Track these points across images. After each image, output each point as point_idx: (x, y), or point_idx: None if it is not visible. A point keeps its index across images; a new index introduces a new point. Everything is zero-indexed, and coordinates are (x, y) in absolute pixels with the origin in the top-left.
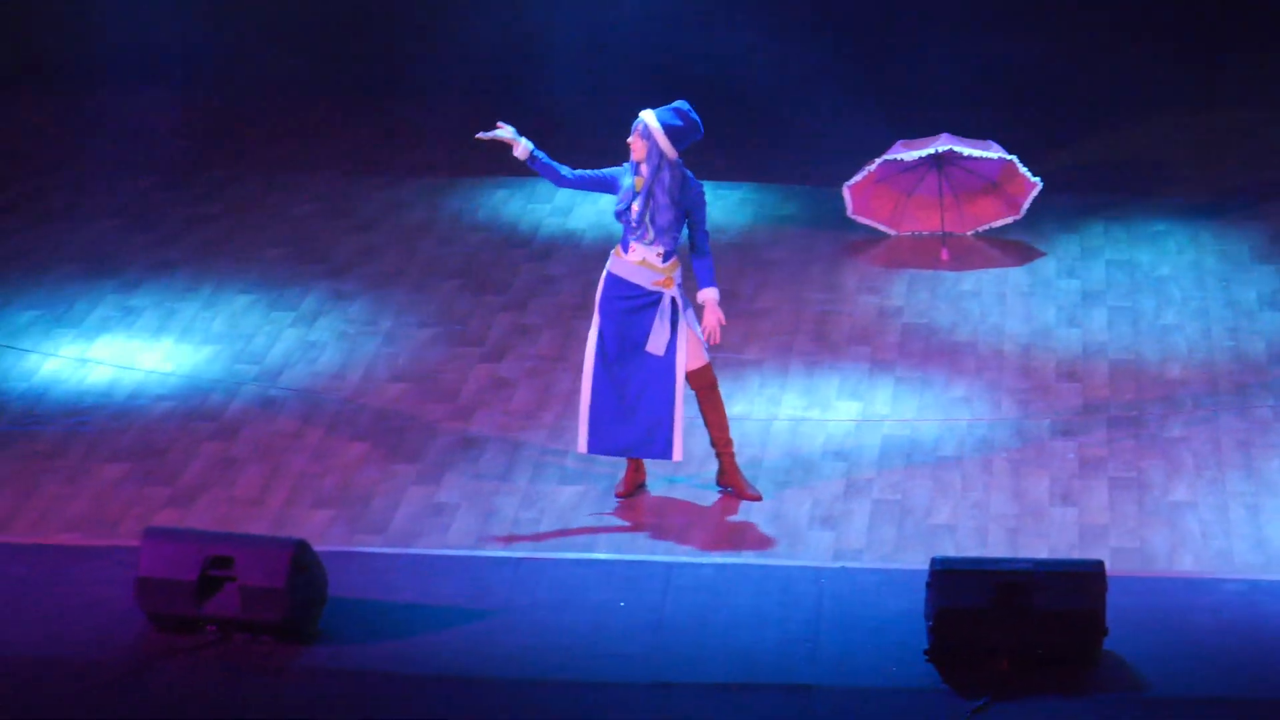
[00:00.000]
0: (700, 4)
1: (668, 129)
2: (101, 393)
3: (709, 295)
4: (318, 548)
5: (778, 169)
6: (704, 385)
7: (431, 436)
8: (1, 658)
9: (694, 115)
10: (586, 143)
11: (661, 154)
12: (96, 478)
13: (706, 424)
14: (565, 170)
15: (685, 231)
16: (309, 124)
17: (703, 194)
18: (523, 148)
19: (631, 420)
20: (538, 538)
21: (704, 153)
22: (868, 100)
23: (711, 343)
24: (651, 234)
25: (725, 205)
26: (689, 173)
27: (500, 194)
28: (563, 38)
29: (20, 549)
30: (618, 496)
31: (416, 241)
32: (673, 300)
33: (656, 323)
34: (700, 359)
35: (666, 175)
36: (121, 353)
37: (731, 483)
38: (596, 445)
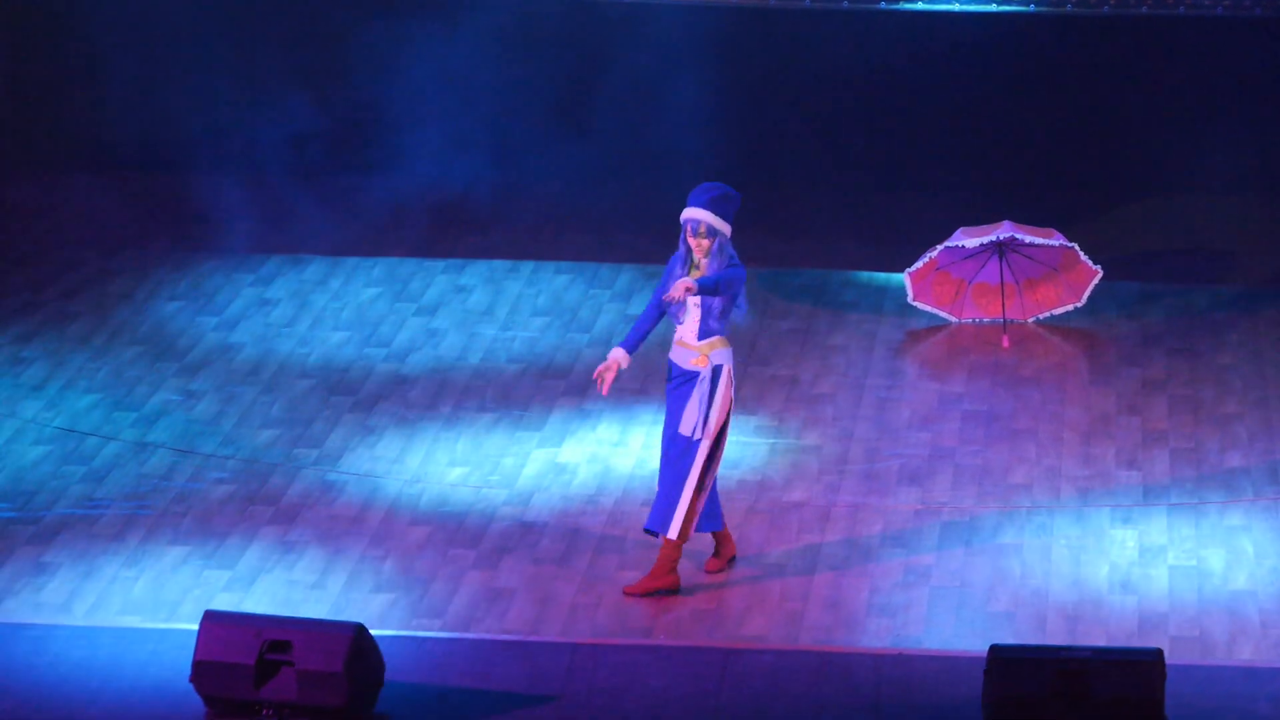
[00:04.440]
0: (754, 88)
1: (719, 212)
2: (161, 476)
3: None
4: (376, 632)
5: (838, 255)
6: None
7: (490, 520)
8: None
9: (725, 185)
10: (662, 224)
11: (724, 238)
12: (156, 561)
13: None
14: (649, 317)
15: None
16: (367, 206)
17: (743, 280)
18: (625, 358)
19: (663, 497)
20: (595, 623)
21: (763, 239)
22: (929, 186)
23: (671, 296)
24: (688, 315)
25: (787, 291)
26: (734, 257)
27: (561, 279)
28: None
29: (79, 632)
30: (708, 572)
31: (477, 326)
32: (711, 376)
33: (690, 402)
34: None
35: (716, 256)
36: (181, 436)
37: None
38: (652, 522)
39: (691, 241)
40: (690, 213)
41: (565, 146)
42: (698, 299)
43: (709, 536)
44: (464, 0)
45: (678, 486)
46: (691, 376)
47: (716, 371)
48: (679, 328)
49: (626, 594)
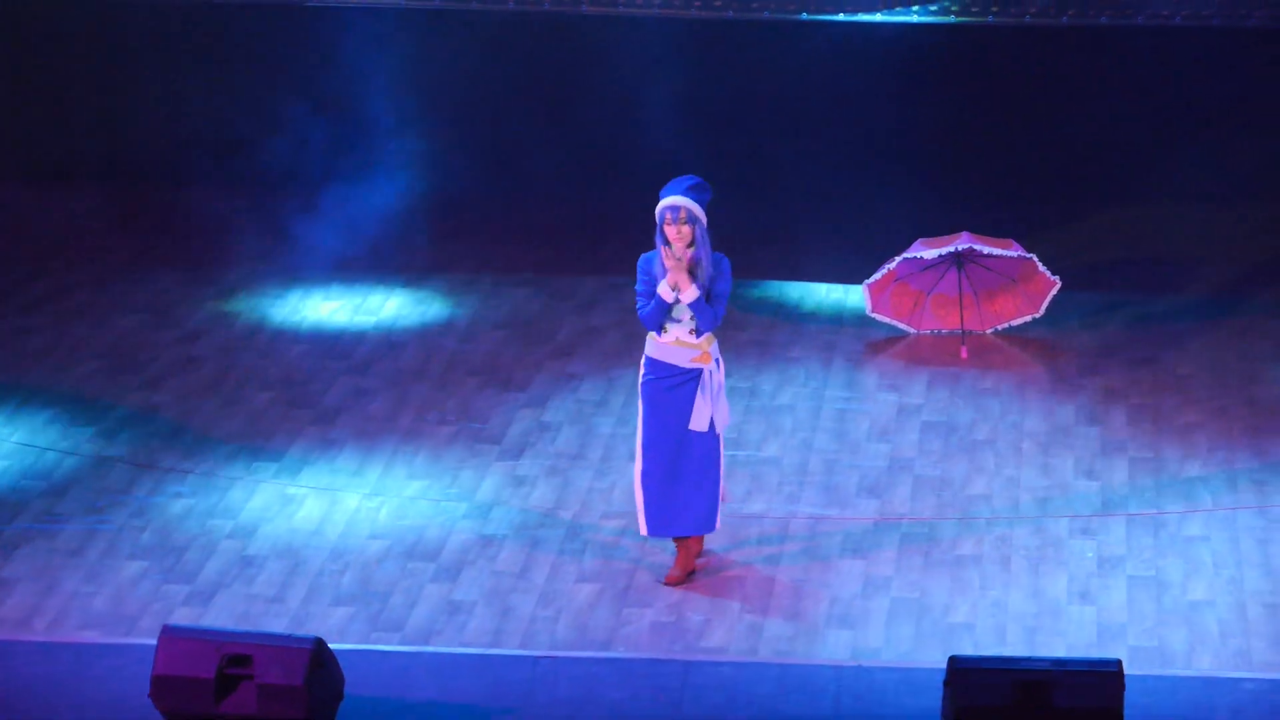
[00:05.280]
0: (714, 101)
1: (700, 201)
2: (120, 490)
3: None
4: (335, 645)
5: (797, 266)
6: None
7: (449, 533)
8: None
9: (698, 178)
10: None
11: (703, 228)
12: (115, 575)
13: None
14: (646, 304)
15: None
16: (328, 220)
17: (728, 268)
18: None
19: (687, 500)
20: (554, 636)
21: (722, 250)
22: (888, 197)
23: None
24: (685, 313)
25: (745, 303)
26: (714, 253)
27: (522, 292)
28: (584, 133)
29: (39, 647)
30: (668, 584)
31: (436, 339)
32: (711, 374)
33: (698, 400)
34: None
35: (699, 247)
36: (141, 450)
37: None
38: (656, 529)
39: (671, 230)
40: (671, 200)
41: (524, 159)
42: (692, 299)
43: (671, 543)
44: (426, 15)
45: (713, 482)
46: (693, 374)
47: (717, 364)
48: (669, 327)
49: (670, 584)
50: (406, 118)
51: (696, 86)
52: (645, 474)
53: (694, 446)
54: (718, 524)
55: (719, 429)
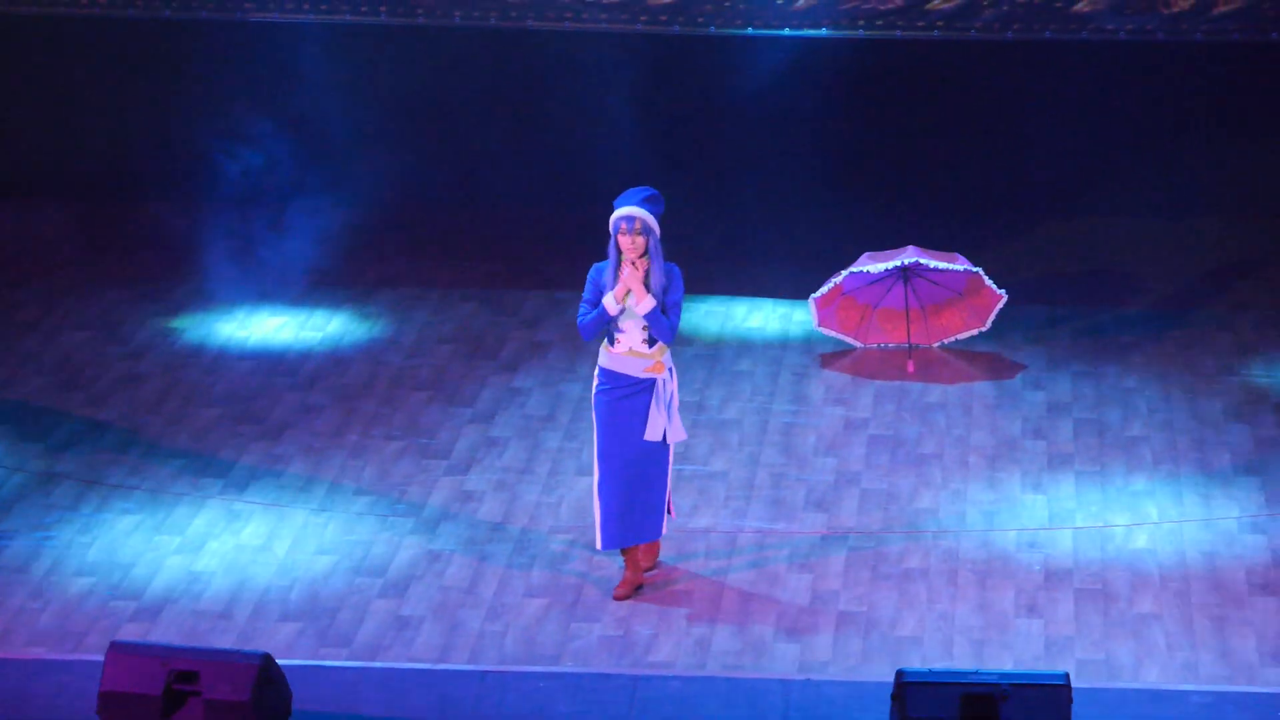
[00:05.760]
0: (659, 117)
1: (654, 212)
2: (67, 507)
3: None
4: (283, 661)
5: (744, 280)
6: None
7: (397, 548)
8: None
9: (652, 189)
10: (579, 249)
11: (656, 239)
12: (62, 591)
13: None
14: (587, 314)
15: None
16: (273, 235)
17: (680, 277)
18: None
19: (640, 508)
20: (502, 651)
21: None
22: (835, 212)
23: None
24: (632, 327)
25: (692, 317)
26: (666, 263)
27: (467, 306)
28: (543, 151)
29: None
30: (617, 599)
31: (383, 354)
32: (664, 384)
33: (653, 410)
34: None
35: (652, 257)
36: (87, 467)
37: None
38: (611, 541)
39: (625, 240)
40: (626, 211)
41: (470, 175)
42: (647, 310)
43: (620, 557)
44: (376, 31)
45: (660, 492)
46: (647, 384)
47: (670, 373)
48: (620, 338)
49: (619, 598)
50: (354, 135)
51: (646, 102)
52: (602, 485)
53: (648, 456)
54: (663, 529)
55: (671, 440)
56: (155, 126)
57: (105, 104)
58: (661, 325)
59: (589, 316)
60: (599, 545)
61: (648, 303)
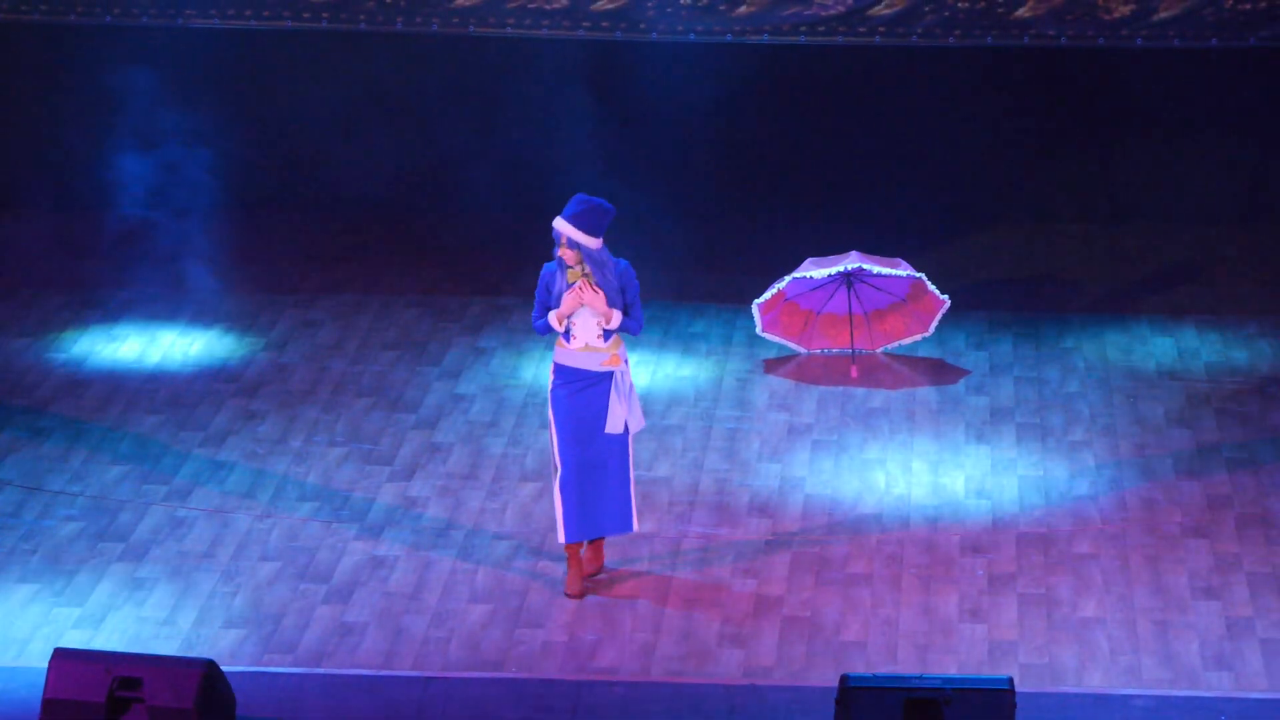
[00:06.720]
0: (603, 120)
1: (582, 227)
2: (9, 514)
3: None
4: (227, 667)
5: (687, 286)
6: None
7: (341, 555)
8: None
9: (594, 200)
10: (522, 255)
11: (588, 250)
12: (4, 599)
13: None
14: (540, 316)
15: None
16: (215, 242)
17: (632, 272)
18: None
19: (602, 501)
20: (447, 657)
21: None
22: (779, 217)
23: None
24: (585, 324)
25: None
26: (612, 257)
27: (410, 313)
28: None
29: None
30: (569, 597)
31: (326, 360)
32: (623, 374)
33: (613, 401)
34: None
35: (592, 266)
36: (29, 473)
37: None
38: (575, 533)
39: (560, 251)
40: (556, 224)
41: (412, 182)
42: (599, 305)
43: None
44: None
45: (624, 485)
46: (604, 377)
47: (626, 364)
48: (575, 334)
49: (572, 596)
50: (297, 141)
51: (590, 109)
52: (565, 481)
53: (608, 449)
54: (635, 524)
55: (633, 430)
56: (92, 133)
57: (34, 110)
58: (632, 325)
59: (540, 322)
60: (561, 539)
61: (616, 317)
